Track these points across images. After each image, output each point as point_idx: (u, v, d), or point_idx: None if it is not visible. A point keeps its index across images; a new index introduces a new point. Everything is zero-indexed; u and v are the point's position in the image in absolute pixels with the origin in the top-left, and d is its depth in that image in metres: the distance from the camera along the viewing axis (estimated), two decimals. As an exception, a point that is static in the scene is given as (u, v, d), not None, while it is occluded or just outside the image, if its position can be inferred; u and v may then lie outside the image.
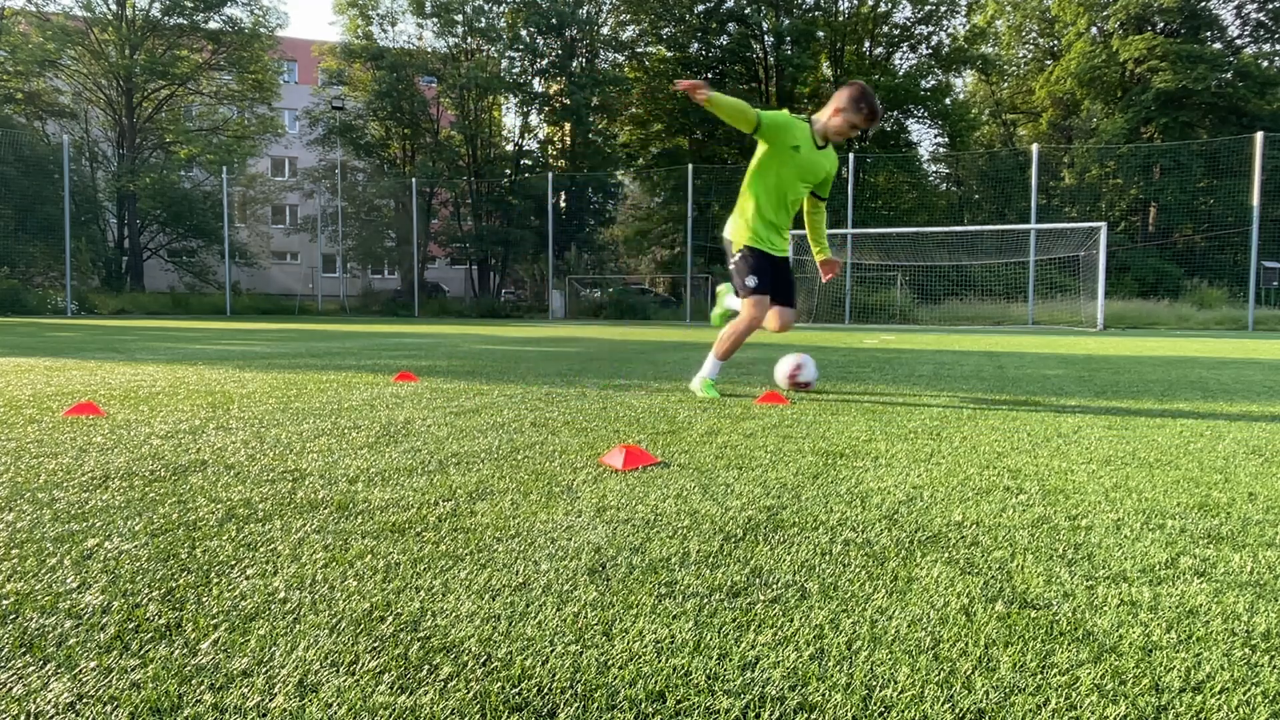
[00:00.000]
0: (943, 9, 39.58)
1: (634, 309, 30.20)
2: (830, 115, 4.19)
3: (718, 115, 4.07)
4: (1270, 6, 37.60)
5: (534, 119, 39.90)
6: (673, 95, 39.21)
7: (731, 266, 4.51)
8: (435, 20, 35.98)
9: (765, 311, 4.41)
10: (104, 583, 1.48)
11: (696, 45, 39.26)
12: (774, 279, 4.42)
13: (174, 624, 1.30)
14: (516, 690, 1.11)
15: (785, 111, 4.27)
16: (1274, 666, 1.21)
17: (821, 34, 38.37)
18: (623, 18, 39.62)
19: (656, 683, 1.13)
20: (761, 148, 4.28)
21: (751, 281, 4.36)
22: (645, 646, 1.24)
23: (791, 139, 4.17)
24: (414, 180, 32.87)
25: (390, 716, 1.04)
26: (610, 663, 1.19)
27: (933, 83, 39.61)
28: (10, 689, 1.09)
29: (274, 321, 21.86)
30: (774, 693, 1.11)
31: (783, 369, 4.75)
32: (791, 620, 1.35)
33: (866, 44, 40.60)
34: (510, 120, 43.74)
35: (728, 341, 4.43)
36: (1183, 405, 4.34)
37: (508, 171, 37.45)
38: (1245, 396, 4.84)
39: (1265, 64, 37.39)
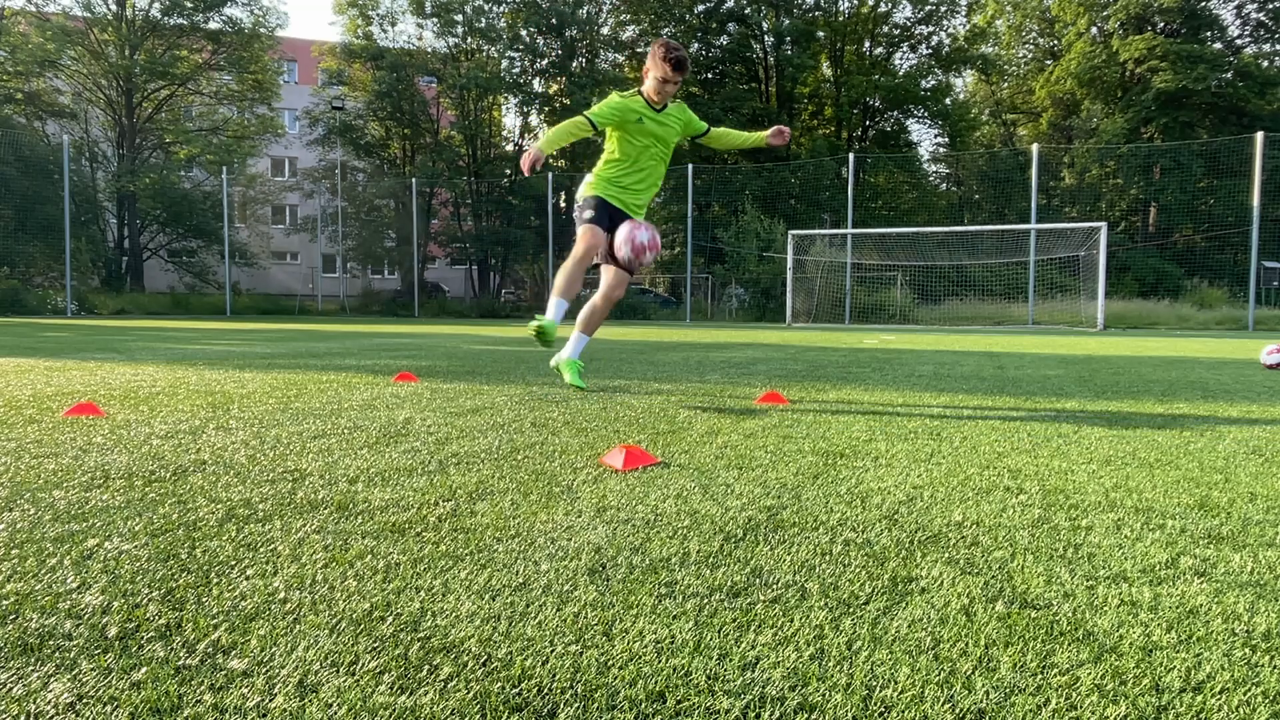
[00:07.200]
0: (943, 9, 39.56)
1: (634, 309, 30.19)
2: (646, 79, 4.45)
3: (558, 147, 4.51)
4: (1270, 6, 37.59)
5: (534, 119, 39.90)
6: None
7: (576, 215, 4.62)
8: (435, 20, 35.98)
9: (591, 244, 4.42)
10: (104, 583, 1.48)
11: (696, 45, 39.24)
12: (612, 221, 4.50)
13: (174, 624, 1.30)
14: (516, 690, 1.10)
15: (613, 95, 4.53)
16: (1274, 666, 1.21)
17: (821, 34, 38.35)
18: (623, 18, 39.62)
19: (656, 683, 1.13)
20: (613, 134, 4.54)
21: (588, 214, 4.48)
22: (645, 647, 1.24)
23: (634, 115, 4.45)
24: (414, 180, 32.86)
25: (390, 716, 1.04)
26: (610, 663, 1.19)
27: (933, 83, 39.59)
28: (10, 689, 1.09)
29: (274, 321, 21.86)
30: (774, 693, 1.11)
31: (621, 237, 4.35)
32: (791, 620, 1.35)
33: (866, 44, 40.59)
34: (510, 120, 43.72)
35: (561, 279, 4.40)
36: (1183, 405, 4.34)
37: (508, 171, 37.42)
38: (1245, 396, 4.83)
39: (1265, 64, 37.37)
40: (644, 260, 4.42)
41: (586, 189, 4.62)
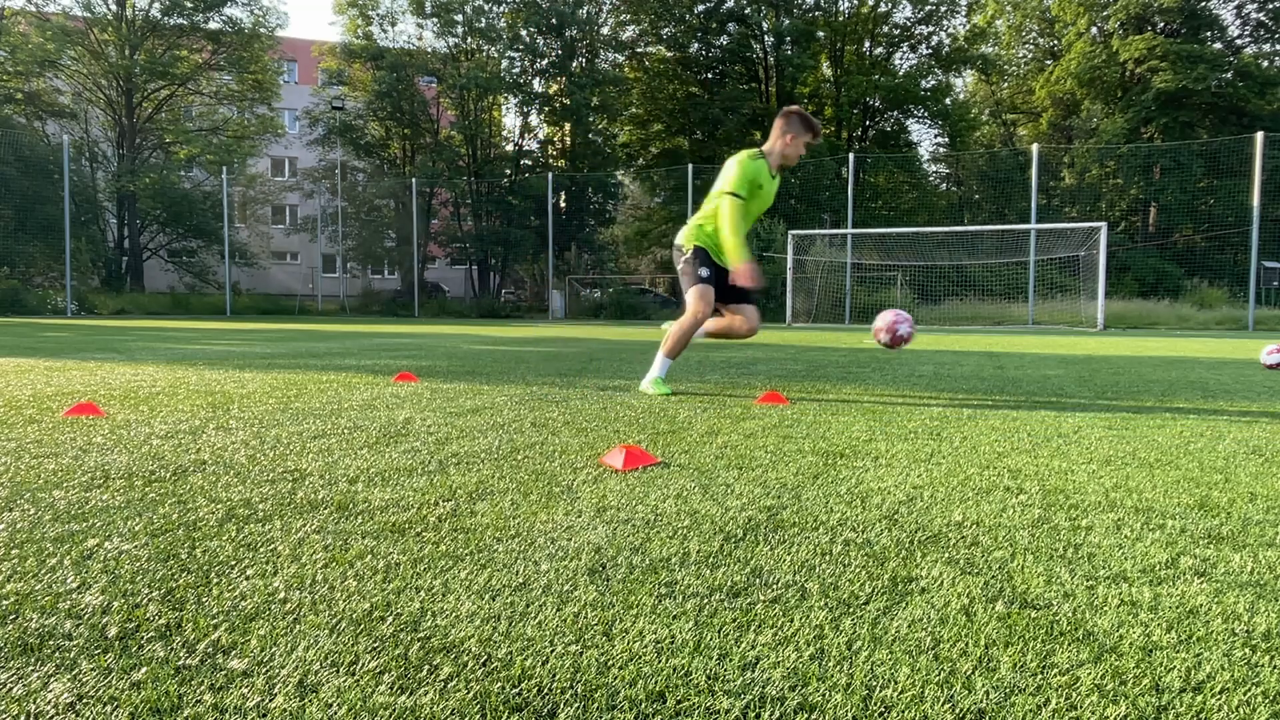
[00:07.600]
0: (943, 9, 39.55)
1: (634, 309, 30.19)
2: (786, 144, 4.52)
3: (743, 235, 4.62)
4: (1270, 6, 37.59)
5: (534, 119, 39.91)
6: (673, 95, 39.23)
7: (680, 266, 4.70)
8: (435, 20, 35.98)
9: (710, 304, 4.60)
10: (104, 583, 1.48)
11: (696, 45, 39.23)
12: (719, 280, 4.65)
13: (174, 624, 1.30)
14: (516, 690, 1.11)
15: (744, 159, 4.50)
16: (1274, 666, 1.21)
17: (821, 34, 38.34)
18: (623, 18, 39.61)
19: (656, 683, 1.13)
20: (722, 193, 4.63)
21: (704, 272, 4.60)
22: (645, 647, 1.24)
23: (759, 180, 4.53)
24: (414, 180, 32.85)
25: (390, 716, 1.04)
26: (610, 663, 1.19)
27: (933, 83, 39.57)
28: (10, 689, 1.09)
29: (274, 321, 21.86)
30: (774, 693, 1.11)
31: (883, 322, 5.34)
32: (791, 620, 1.35)
33: (866, 44, 40.57)
34: (510, 120, 43.73)
35: (674, 338, 4.65)
36: (1183, 405, 4.34)
37: (508, 171, 37.42)
38: (1245, 396, 4.83)
39: (1265, 64, 37.37)
40: (897, 344, 5.42)
41: (689, 239, 4.66)
